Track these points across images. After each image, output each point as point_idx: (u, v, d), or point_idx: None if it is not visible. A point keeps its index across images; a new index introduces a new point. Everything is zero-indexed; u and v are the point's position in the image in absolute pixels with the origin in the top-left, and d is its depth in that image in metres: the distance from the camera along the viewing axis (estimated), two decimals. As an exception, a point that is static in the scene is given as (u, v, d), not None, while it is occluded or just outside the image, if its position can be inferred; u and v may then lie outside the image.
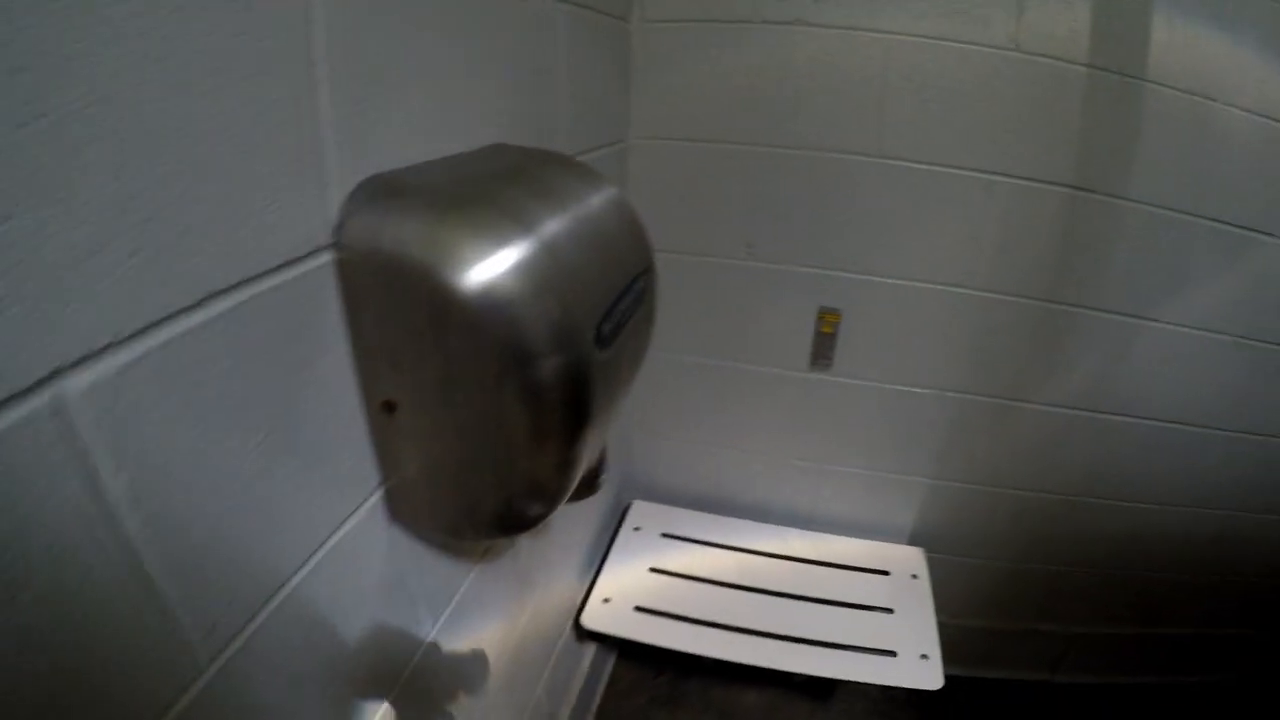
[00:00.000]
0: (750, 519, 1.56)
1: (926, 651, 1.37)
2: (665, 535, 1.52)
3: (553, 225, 0.56)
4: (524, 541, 1.06)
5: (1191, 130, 1.26)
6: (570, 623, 1.40)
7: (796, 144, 1.27)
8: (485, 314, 0.48)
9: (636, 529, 1.53)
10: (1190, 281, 1.36)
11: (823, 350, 1.39)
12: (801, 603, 1.42)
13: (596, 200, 0.68)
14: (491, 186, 0.59)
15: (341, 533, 0.58)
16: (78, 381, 0.34)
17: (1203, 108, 1.26)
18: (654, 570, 1.45)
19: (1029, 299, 1.34)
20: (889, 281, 1.33)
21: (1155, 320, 1.37)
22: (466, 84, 0.70)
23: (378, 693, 0.68)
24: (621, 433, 1.52)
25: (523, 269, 0.50)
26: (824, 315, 1.36)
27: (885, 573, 1.49)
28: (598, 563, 1.47)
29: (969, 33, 1.20)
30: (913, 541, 1.57)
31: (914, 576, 1.49)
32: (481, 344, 0.49)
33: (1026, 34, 1.20)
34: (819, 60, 1.22)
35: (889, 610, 1.43)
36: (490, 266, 0.48)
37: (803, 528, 1.55)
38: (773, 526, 1.55)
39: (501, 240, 0.50)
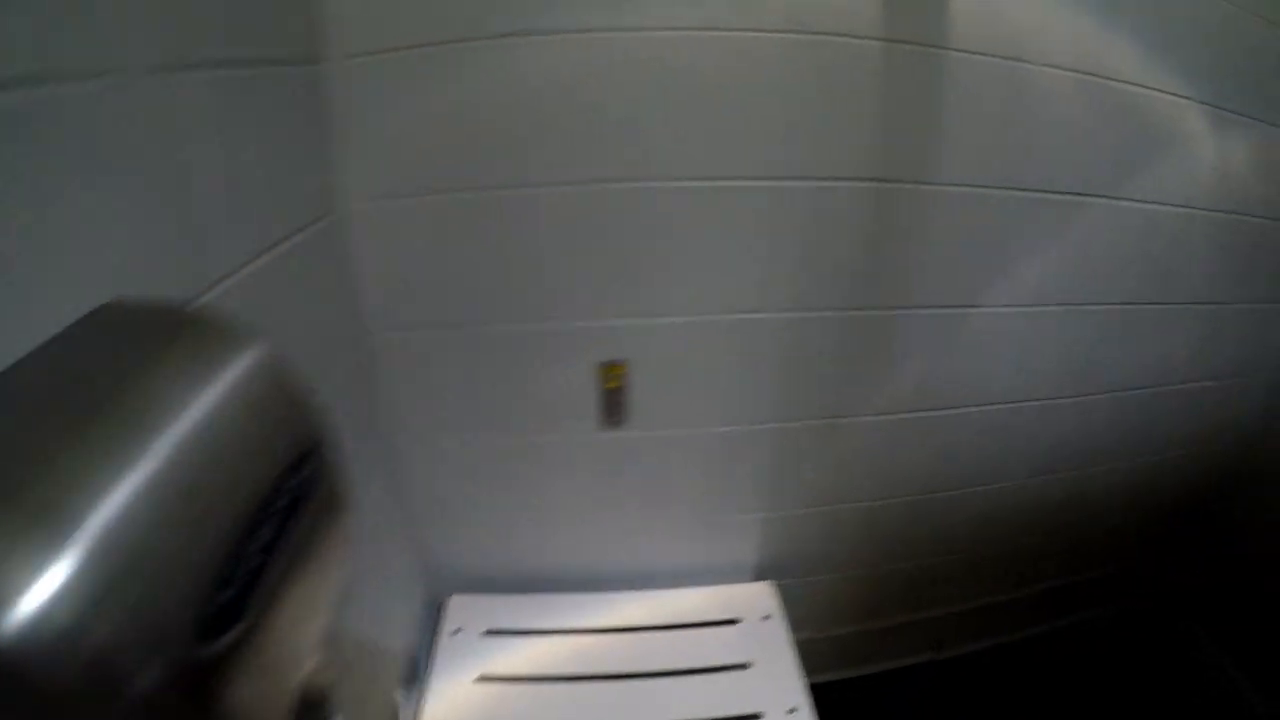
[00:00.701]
0: (582, 591, 1.38)
1: (794, 704, 1.25)
2: (489, 632, 1.32)
3: (115, 497, 0.36)
4: None
5: (1006, 98, 1.10)
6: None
7: (545, 179, 1.01)
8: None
9: (456, 631, 1.32)
10: (1018, 259, 1.23)
11: (613, 407, 1.17)
12: (649, 680, 1.27)
13: (210, 396, 0.45)
14: (15, 458, 0.36)
15: None
16: None
17: (1016, 72, 1.09)
18: (483, 679, 1.26)
19: (839, 311, 1.17)
20: (678, 321, 1.12)
21: (983, 306, 1.23)
22: (50, 216, 0.45)
23: None
24: (413, 527, 1.28)
25: (55, 603, 0.31)
26: (607, 370, 1.14)
27: (735, 621, 1.35)
28: (421, 686, 1.27)
29: (736, 17, 0.96)
30: (760, 576, 1.44)
31: (766, 618, 1.36)
32: None
33: (806, 10, 0.96)
34: (558, 75, 0.96)
35: (745, 666, 1.30)
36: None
37: (641, 588, 1.39)
38: (607, 595, 1.38)
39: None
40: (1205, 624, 1.92)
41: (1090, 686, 1.76)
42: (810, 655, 1.31)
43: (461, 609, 1.36)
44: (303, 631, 0.52)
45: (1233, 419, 1.71)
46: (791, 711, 1.24)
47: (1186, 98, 1.23)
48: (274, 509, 0.46)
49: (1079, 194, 1.19)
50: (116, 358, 0.46)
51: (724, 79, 0.98)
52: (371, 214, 1.00)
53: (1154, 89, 1.19)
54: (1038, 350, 1.32)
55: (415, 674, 1.27)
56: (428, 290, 1.07)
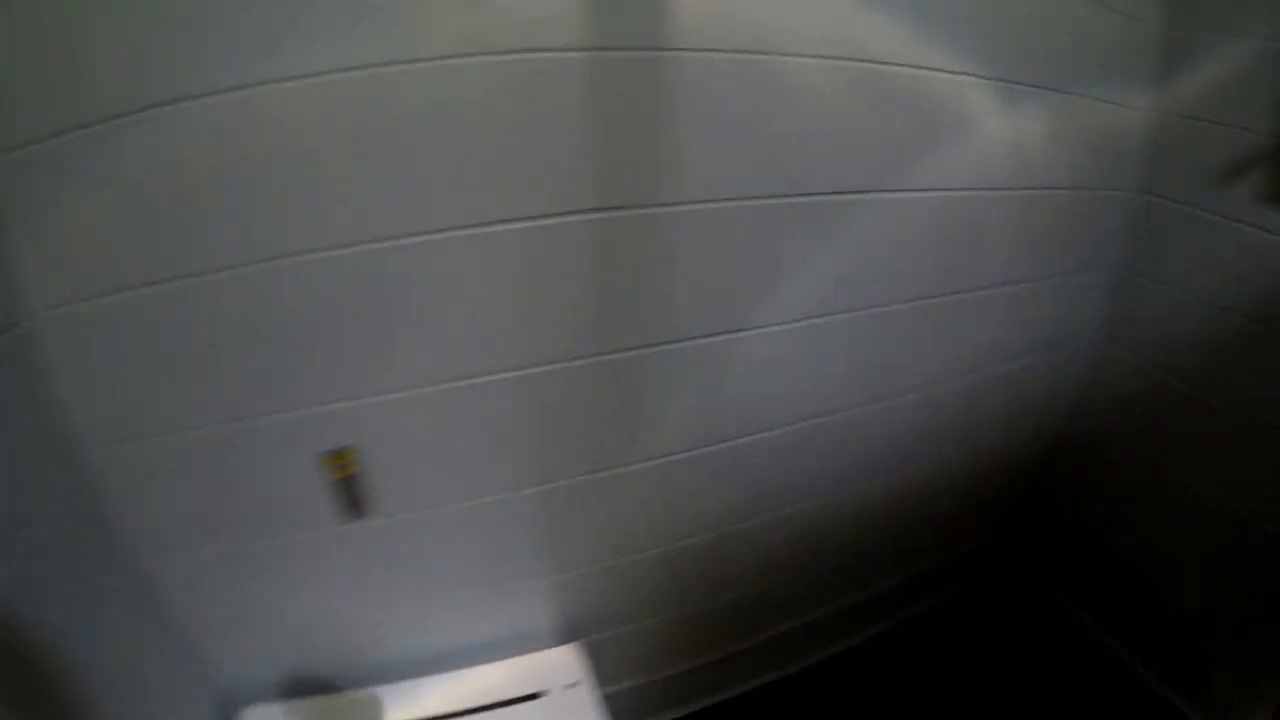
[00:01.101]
0: (382, 681, 1.22)
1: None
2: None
3: None
4: None
5: (750, 97, 0.96)
6: None
7: (224, 261, 0.81)
8: None
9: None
10: (790, 271, 1.10)
11: (350, 497, 1.00)
12: (448, 776, 1.14)
13: None
14: None
15: None
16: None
17: (759, 66, 0.94)
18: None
19: (587, 358, 1.01)
20: (405, 396, 0.94)
21: (756, 327, 1.10)
22: None
23: None
24: (187, 645, 1.09)
25: None
26: (333, 459, 0.96)
27: (540, 694, 1.22)
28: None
29: (411, 47, 0.77)
30: (570, 637, 1.30)
31: (572, 685, 1.23)
32: None
33: (490, 28, 0.79)
34: (222, 142, 0.75)
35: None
36: None
37: (442, 669, 1.24)
38: (408, 683, 1.23)
39: None
40: (1062, 588, 1.94)
41: (956, 668, 1.73)
42: (642, 701, 1.21)
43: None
44: None
45: (1054, 391, 1.68)
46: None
47: (967, 74, 1.11)
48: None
49: (852, 191, 1.07)
50: None
51: (412, 119, 0.79)
52: (60, 321, 0.79)
53: (929, 68, 1.07)
54: (830, 361, 1.21)
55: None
56: (134, 396, 0.86)
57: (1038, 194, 1.30)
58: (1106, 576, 1.82)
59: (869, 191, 1.08)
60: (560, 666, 1.26)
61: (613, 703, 1.26)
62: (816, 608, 1.60)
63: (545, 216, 0.89)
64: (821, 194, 1.04)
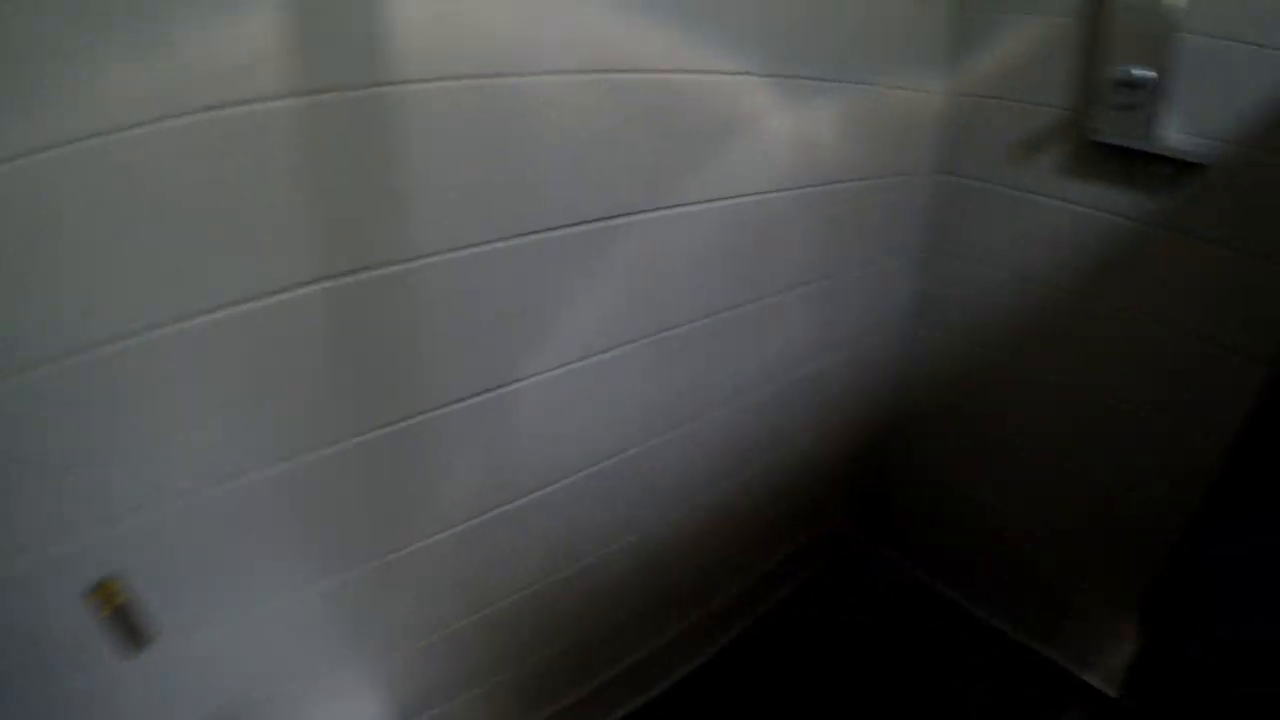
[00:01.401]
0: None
1: None
2: None
3: None
4: None
5: (495, 127, 0.86)
6: None
7: None
8: None
9: None
10: (563, 311, 1.02)
11: (129, 629, 0.89)
12: None
13: None
14: None
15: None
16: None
17: (504, 91, 0.87)
18: None
19: (341, 443, 0.90)
20: (155, 515, 0.81)
21: (529, 377, 1.02)
22: None
23: None
24: None
25: None
26: (99, 593, 0.87)
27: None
28: None
29: (79, 122, 0.66)
30: (405, 717, 1.22)
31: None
32: None
33: (179, 86, 0.68)
34: None
35: None
36: None
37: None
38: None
39: None
40: (911, 559, 2.01)
41: (821, 652, 1.76)
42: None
43: None
44: None
45: (873, 376, 1.72)
46: None
47: (745, 73, 1.08)
48: None
49: (622, 214, 1.00)
50: None
51: (96, 202, 0.66)
52: None
53: (700, 71, 1.03)
54: (624, 394, 1.14)
55: None
56: None
57: (833, 188, 1.29)
58: (952, 541, 1.89)
59: (642, 211, 1.02)
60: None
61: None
62: (669, 628, 1.57)
63: (269, 294, 0.77)
64: (586, 222, 0.97)
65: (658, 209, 1.04)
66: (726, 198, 1.12)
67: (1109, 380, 1.51)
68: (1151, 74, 1.31)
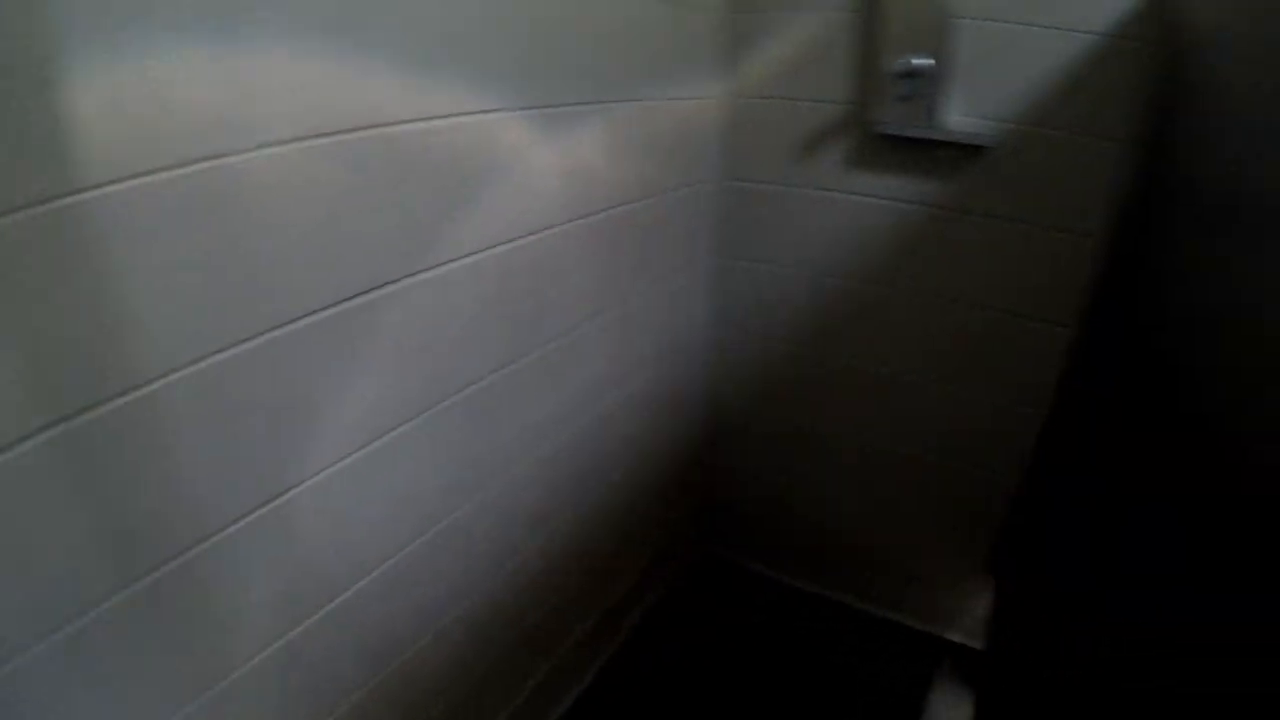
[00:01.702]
0: None
1: None
2: None
3: None
4: None
5: (213, 218, 0.73)
6: None
7: None
8: None
9: None
10: (324, 404, 0.91)
11: None
12: None
13: None
14: None
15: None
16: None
17: (221, 175, 0.74)
18: None
19: (117, 594, 0.76)
20: None
21: (306, 481, 0.92)
22: None
23: None
24: None
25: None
26: None
27: None
28: None
29: None
30: None
31: None
32: None
33: None
34: None
35: None
36: None
37: None
38: None
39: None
40: (759, 560, 2.03)
41: (688, 670, 1.73)
42: None
43: None
44: None
45: (684, 391, 1.72)
46: None
47: (501, 110, 1.02)
48: None
49: (376, 287, 0.91)
50: None
51: None
52: None
53: (446, 117, 0.95)
54: (415, 475, 1.06)
55: None
56: None
57: (614, 213, 1.25)
58: (797, 536, 1.92)
59: (403, 278, 0.94)
60: None
61: None
62: (535, 671, 1.52)
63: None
64: (340, 302, 0.88)
65: (419, 272, 0.97)
66: (496, 245, 1.06)
67: (919, 362, 1.55)
68: (930, 62, 1.32)
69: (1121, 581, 1.06)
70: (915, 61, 1.32)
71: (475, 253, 1.04)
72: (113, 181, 0.67)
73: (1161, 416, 1.06)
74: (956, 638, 1.79)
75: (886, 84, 1.34)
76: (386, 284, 0.94)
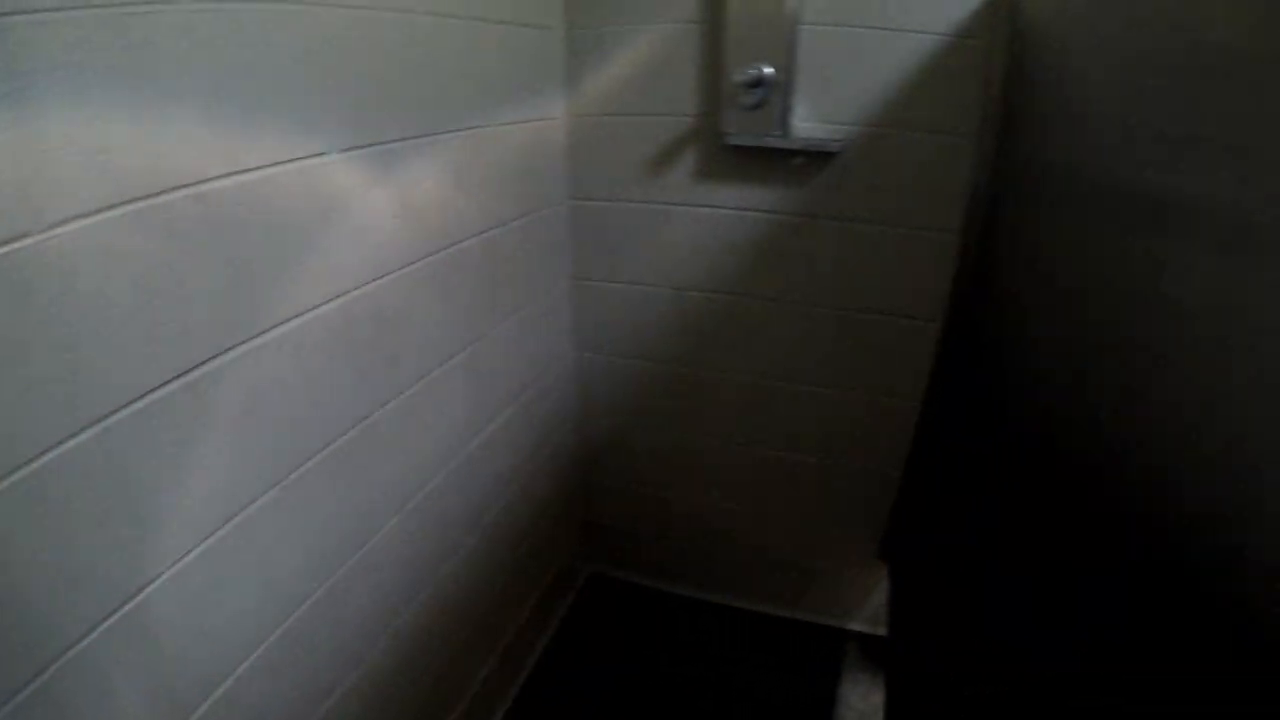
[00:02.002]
0: None
1: None
2: None
3: None
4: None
5: (13, 301, 0.64)
6: None
7: None
8: None
9: None
10: (162, 495, 0.81)
11: None
12: None
13: None
14: None
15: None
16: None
17: (15, 259, 0.66)
18: None
19: None
20: None
21: (157, 577, 0.81)
22: None
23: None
24: None
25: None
26: None
27: None
28: None
29: None
30: None
31: None
32: None
33: None
34: None
35: None
36: None
37: None
38: None
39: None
40: (645, 573, 2.02)
41: (595, 689, 1.70)
42: None
43: None
44: None
45: (554, 417, 1.69)
46: None
47: (319, 155, 0.94)
48: None
49: (212, 358, 0.82)
50: None
51: None
52: None
53: (266, 167, 0.86)
54: (274, 555, 0.97)
55: None
56: None
57: (461, 247, 1.18)
58: (690, 550, 1.92)
59: (236, 346, 0.85)
60: None
61: None
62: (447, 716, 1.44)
63: None
64: (168, 382, 0.78)
65: (256, 335, 0.88)
66: (336, 297, 0.98)
67: (792, 366, 1.57)
68: (776, 70, 1.33)
69: (990, 560, 1.10)
70: (762, 70, 1.32)
71: (315, 307, 0.96)
72: None
73: (1011, 397, 1.10)
74: (860, 627, 1.83)
75: (734, 94, 1.34)
76: (221, 353, 0.85)
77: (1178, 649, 0.51)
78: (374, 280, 1.04)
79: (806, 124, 1.36)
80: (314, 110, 0.91)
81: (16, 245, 0.63)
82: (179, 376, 0.81)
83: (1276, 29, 0.47)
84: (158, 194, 0.75)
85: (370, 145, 1.00)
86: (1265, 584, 0.42)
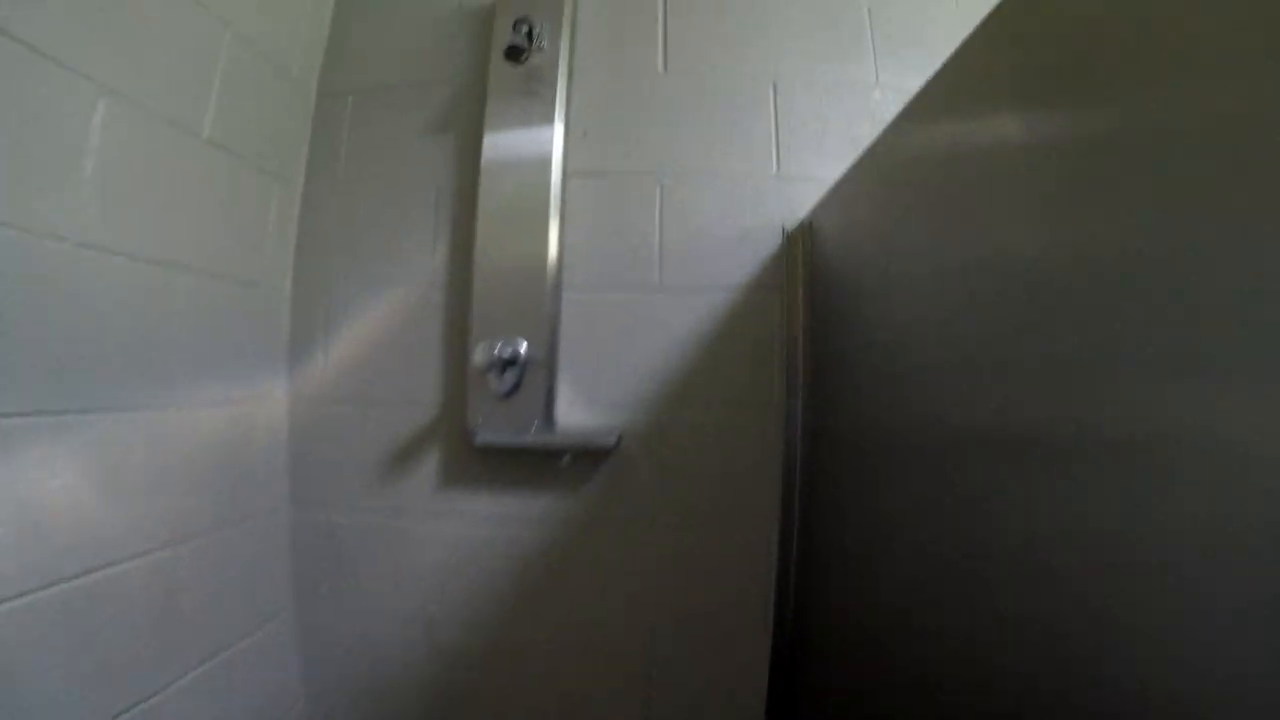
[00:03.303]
0: None
1: None
2: None
3: None
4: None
5: None
6: None
7: None
8: None
9: None
10: None
11: None
12: None
13: None
14: None
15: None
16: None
17: None
18: None
19: None
20: None
21: None
22: None
23: None
24: None
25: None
26: None
27: None
28: None
29: None
30: None
31: None
32: None
33: None
34: None
35: None
36: None
37: None
38: None
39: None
40: None
41: None
42: None
43: None
44: None
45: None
46: None
47: None
48: None
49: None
50: None
51: None
52: None
53: None
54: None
55: None
56: None
57: (118, 571, 0.81)
58: None
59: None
60: None
61: None
62: None
63: None
64: None
65: None
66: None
67: (576, 684, 1.15)
68: (533, 346, 1.08)
69: None
70: (516, 347, 1.08)
71: None
72: None
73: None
74: None
75: (484, 380, 1.08)
76: None
77: None
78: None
79: (575, 412, 1.10)
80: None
81: None
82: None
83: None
84: None
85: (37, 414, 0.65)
86: None
